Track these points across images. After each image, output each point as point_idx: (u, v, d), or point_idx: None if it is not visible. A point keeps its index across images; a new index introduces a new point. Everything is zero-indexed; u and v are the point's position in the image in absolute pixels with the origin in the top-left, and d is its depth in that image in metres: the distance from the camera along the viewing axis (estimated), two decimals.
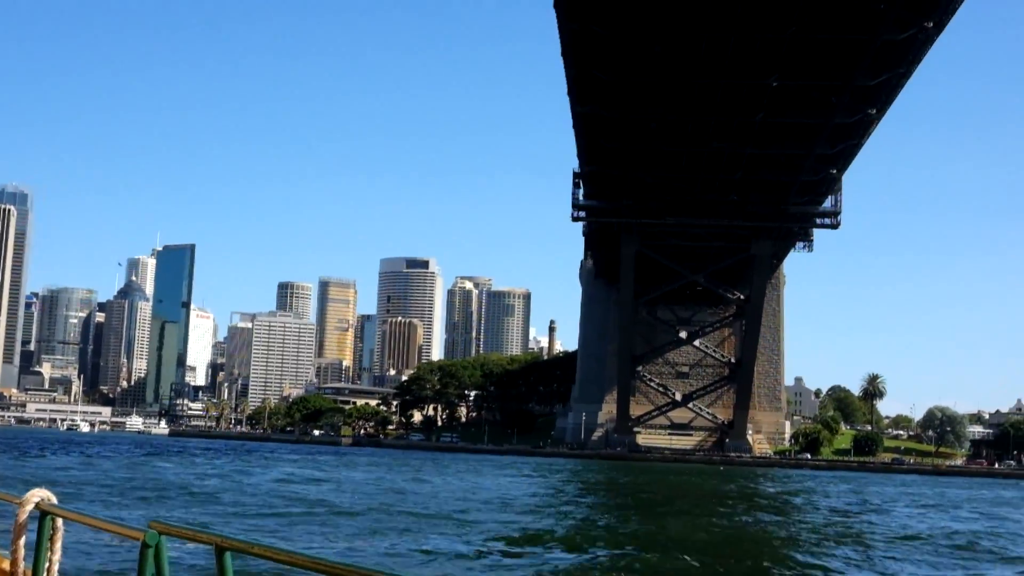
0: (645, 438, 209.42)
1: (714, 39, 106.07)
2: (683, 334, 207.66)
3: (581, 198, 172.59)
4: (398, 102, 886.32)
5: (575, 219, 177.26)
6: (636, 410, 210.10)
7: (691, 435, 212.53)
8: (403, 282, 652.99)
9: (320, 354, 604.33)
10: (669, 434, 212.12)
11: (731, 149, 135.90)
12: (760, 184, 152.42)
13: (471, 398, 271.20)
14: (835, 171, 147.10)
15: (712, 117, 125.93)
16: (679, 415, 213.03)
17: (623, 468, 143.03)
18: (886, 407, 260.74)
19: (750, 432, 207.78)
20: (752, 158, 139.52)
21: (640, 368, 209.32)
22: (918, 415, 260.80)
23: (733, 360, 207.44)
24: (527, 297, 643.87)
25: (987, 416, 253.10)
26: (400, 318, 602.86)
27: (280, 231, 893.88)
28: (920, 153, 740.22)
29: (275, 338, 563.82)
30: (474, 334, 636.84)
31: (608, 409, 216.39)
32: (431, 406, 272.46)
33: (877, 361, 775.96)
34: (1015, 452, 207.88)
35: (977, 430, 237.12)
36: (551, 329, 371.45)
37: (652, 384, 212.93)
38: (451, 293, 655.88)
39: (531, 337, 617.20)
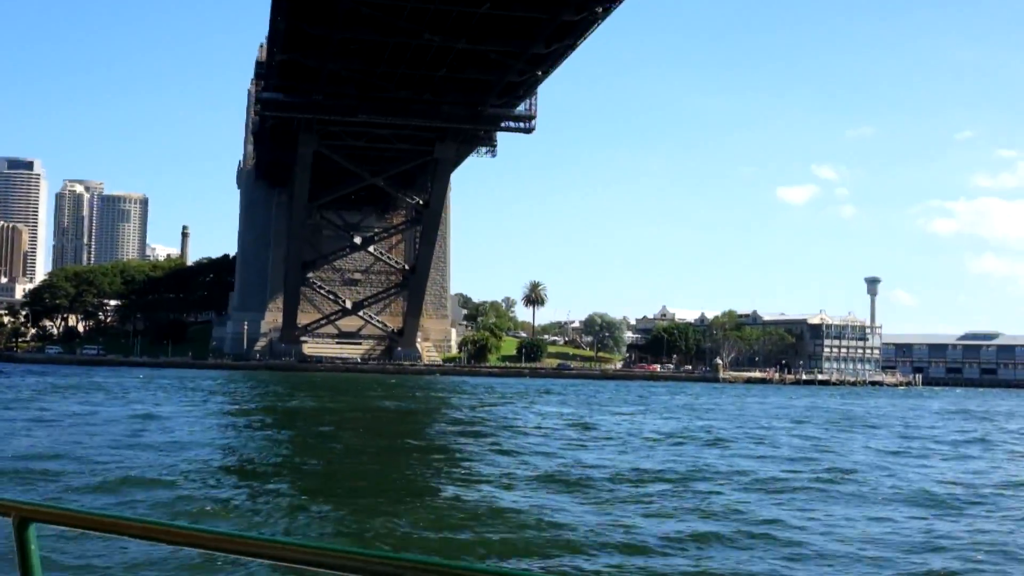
0: (312, 347, 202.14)
1: None
2: (357, 240, 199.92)
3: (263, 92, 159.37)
4: None
5: (257, 114, 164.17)
6: (303, 319, 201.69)
7: (360, 344, 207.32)
8: (3, 184, 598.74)
9: None
10: (337, 343, 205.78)
11: (443, 42, 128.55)
12: (461, 83, 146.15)
13: (111, 307, 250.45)
14: (540, 73, 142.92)
15: (433, 5, 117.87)
16: (347, 323, 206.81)
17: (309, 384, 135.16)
18: (528, 315, 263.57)
19: (419, 340, 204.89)
20: (461, 54, 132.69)
21: (309, 275, 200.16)
22: (569, 319, 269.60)
23: (406, 267, 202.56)
24: (144, 202, 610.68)
25: (634, 322, 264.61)
26: (2, 223, 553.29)
27: None
28: (612, 66, 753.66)
29: None
30: (85, 240, 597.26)
31: (272, 318, 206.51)
32: (66, 316, 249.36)
33: (527, 270, 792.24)
34: (674, 356, 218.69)
35: (628, 336, 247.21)
36: (184, 235, 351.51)
37: (321, 291, 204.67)
38: (59, 197, 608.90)
39: (147, 244, 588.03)
